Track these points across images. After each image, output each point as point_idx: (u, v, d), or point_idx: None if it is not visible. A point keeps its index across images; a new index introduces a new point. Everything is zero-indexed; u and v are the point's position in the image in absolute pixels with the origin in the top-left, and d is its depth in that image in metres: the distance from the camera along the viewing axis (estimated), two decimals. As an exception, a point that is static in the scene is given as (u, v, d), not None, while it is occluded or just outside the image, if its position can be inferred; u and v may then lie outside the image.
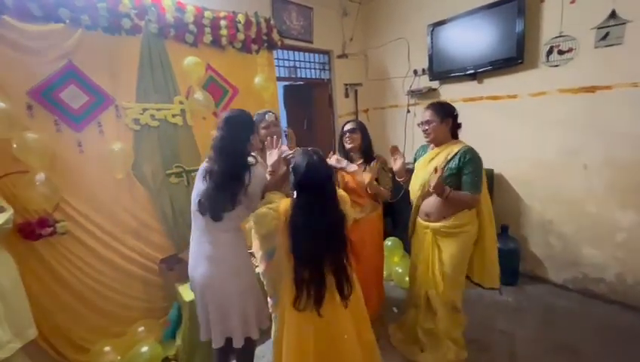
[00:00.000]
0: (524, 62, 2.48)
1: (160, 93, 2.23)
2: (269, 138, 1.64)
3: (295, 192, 1.32)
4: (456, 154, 1.69)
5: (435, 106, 1.77)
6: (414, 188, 1.85)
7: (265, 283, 1.88)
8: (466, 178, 1.66)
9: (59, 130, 1.90)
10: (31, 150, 1.73)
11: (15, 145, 1.69)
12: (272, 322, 1.99)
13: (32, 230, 1.79)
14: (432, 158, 1.77)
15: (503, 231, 2.71)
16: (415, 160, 1.95)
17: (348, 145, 2.08)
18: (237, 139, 1.47)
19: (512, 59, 2.51)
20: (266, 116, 1.86)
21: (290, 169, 1.38)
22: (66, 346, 1.95)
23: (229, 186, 1.41)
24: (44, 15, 1.80)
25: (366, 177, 1.96)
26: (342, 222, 1.35)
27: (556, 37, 2.35)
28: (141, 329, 2.10)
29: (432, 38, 3.01)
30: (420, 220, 1.88)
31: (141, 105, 2.15)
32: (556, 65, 2.39)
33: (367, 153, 2.08)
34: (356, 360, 1.36)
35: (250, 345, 1.59)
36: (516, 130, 2.68)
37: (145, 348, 1.92)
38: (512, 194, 2.79)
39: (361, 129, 2.09)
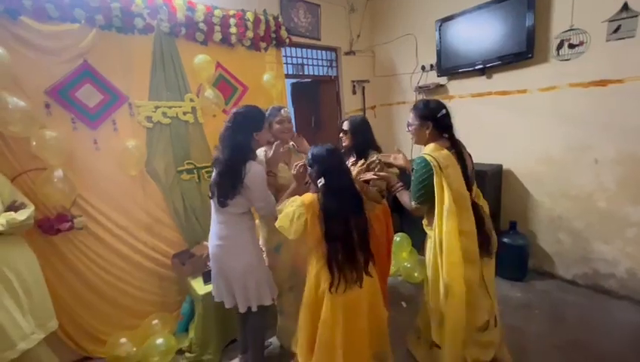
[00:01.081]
0: (534, 56, 2.46)
1: (171, 91, 2.27)
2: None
3: (321, 180, 1.38)
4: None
5: (416, 108, 1.67)
6: None
7: (273, 276, 1.92)
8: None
9: (75, 128, 1.95)
10: (49, 147, 1.79)
11: (34, 143, 1.75)
12: (278, 316, 2.03)
13: (51, 225, 1.85)
14: None
15: (511, 227, 2.70)
16: None
17: (343, 143, 2.05)
18: (240, 132, 1.55)
19: (522, 53, 2.49)
20: (282, 111, 1.90)
21: (310, 162, 1.44)
22: (83, 337, 2.02)
23: (229, 176, 1.52)
24: (60, 15, 1.85)
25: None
26: (362, 198, 1.46)
27: (567, 30, 2.33)
28: (155, 322, 2.15)
29: (440, 34, 3.00)
30: None
31: (153, 103, 2.20)
32: (567, 60, 2.37)
33: (360, 152, 1.96)
34: (364, 330, 1.46)
35: (252, 314, 1.71)
36: (526, 125, 2.66)
37: (160, 340, 1.97)
38: (521, 189, 2.78)
39: (351, 130, 1.99)
